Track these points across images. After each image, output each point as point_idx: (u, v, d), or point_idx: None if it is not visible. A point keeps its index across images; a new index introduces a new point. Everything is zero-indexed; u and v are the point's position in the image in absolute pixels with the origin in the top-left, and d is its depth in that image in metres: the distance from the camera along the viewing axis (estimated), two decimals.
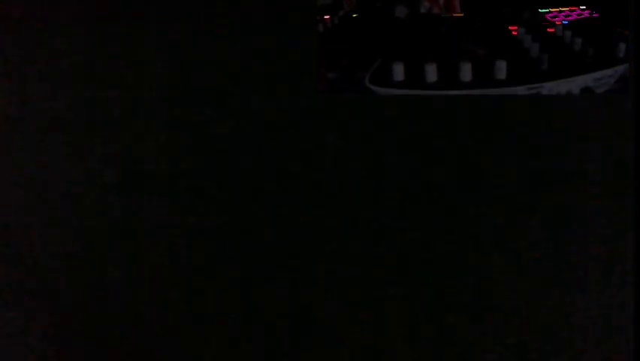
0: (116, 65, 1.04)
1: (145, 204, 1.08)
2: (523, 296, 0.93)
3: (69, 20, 1.02)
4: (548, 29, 1.74)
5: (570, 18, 1.91)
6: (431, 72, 1.20)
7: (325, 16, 1.95)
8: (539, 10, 2.07)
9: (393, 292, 0.90)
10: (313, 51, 1.00)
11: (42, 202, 1.05)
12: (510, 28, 1.72)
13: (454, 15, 2.13)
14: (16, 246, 1.04)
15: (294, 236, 1.01)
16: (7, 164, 1.04)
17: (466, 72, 1.19)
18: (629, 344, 0.78)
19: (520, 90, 1.16)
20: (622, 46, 1.30)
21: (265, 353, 0.92)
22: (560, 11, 2.03)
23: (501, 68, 1.20)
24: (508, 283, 0.87)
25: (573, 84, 1.21)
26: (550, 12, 2.03)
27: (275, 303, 0.89)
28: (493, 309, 0.89)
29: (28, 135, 1.04)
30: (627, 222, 0.73)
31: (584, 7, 1.99)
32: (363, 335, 0.91)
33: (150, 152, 1.06)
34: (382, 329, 0.91)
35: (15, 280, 1.04)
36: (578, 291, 0.95)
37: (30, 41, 1.02)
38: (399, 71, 1.24)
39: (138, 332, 1.06)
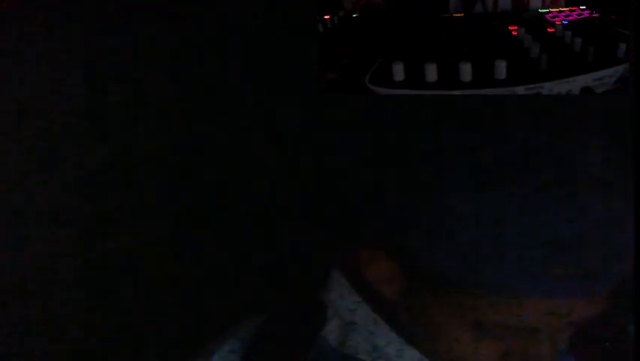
0: (115, 65, 1.04)
1: (144, 203, 1.08)
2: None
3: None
4: (548, 29, 1.74)
5: (570, 18, 1.91)
6: (431, 72, 1.20)
7: (325, 16, 1.95)
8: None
9: None
10: (313, 51, 0.99)
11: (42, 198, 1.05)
12: (510, 28, 1.73)
13: (454, 15, 2.13)
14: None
15: (301, 235, 1.01)
16: (6, 163, 1.04)
17: (466, 72, 1.19)
18: (629, 344, 0.78)
19: (520, 90, 1.16)
20: (622, 46, 1.30)
21: None
22: (560, 11, 2.03)
23: (501, 68, 1.20)
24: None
25: (573, 84, 1.21)
26: (550, 12, 2.03)
27: None
28: None
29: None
30: (627, 222, 0.73)
31: (584, 7, 1.99)
32: None
33: (149, 152, 1.06)
34: None
35: None
36: None
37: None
38: (399, 71, 1.24)
39: None
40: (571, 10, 2.01)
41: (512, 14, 2.08)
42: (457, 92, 1.16)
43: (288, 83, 1.02)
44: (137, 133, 1.04)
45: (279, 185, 1.04)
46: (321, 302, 0.72)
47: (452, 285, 0.62)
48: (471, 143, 0.63)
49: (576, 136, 0.64)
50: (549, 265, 0.59)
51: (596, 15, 1.93)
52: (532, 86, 1.17)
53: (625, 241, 0.62)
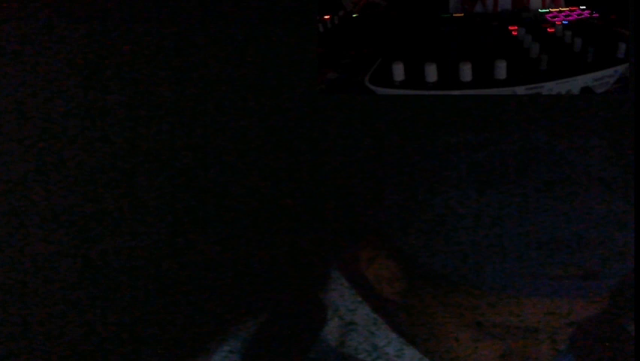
0: (117, 66, 1.04)
1: (144, 203, 1.08)
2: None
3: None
4: (548, 29, 1.74)
5: (570, 18, 1.91)
6: (431, 72, 1.20)
7: (325, 16, 1.95)
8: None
9: None
10: (313, 51, 0.99)
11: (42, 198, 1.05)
12: (510, 28, 1.72)
13: (454, 15, 2.13)
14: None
15: (301, 235, 1.01)
16: (6, 163, 1.04)
17: (466, 72, 1.19)
18: (629, 344, 0.78)
19: (520, 90, 1.16)
20: (622, 46, 1.29)
21: None
22: (560, 11, 2.03)
23: (501, 68, 1.20)
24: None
25: (573, 84, 1.21)
26: (550, 12, 2.03)
27: None
28: None
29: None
30: (627, 221, 0.73)
31: (584, 7, 1.99)
32: None
33: (150, 152, 1.06)
34: None
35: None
36: None
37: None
38: (399, 71, 1.24)
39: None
40: (571, 10, 2.01)
41: (512, 14, 2.08)
42: (457, 92, 1.16)
43: (288, 83, 1.02)
44: (137, 133, 1.04)
45: (279, 185, 1.04)
46: (321, 302, 0.72)
47: (452, 285, 0.62)
48: (471, 143, 0.63)
49: (576, 136, 0.64)
50: (549, 265, 0.59)
51: (596, 15, 1.93)
52: (532, 86, 1.17)
53: (625, 241, 0.61)
